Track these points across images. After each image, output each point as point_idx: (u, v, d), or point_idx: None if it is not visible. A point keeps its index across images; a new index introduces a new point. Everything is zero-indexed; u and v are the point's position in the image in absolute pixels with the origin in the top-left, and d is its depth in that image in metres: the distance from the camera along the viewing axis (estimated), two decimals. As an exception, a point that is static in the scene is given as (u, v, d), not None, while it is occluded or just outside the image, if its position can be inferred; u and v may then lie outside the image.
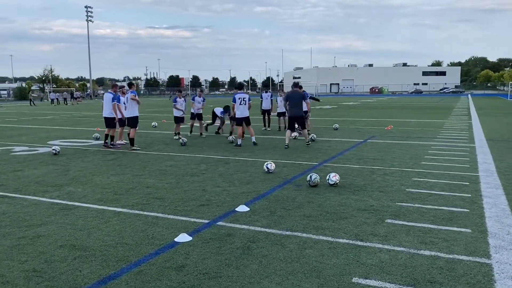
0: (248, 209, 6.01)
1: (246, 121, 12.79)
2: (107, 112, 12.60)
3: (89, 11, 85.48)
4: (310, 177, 7.35)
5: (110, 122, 12.66)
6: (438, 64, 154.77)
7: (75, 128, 19.61)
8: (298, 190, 7.11)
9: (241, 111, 12.71)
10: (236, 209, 6.02)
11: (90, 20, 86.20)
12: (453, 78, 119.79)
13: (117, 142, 13.14)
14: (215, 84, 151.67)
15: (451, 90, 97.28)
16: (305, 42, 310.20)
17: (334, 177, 7.36)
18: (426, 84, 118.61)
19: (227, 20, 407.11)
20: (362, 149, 11.78)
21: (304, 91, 15.86)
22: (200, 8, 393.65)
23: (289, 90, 13.13)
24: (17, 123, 23.12)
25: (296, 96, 12.57)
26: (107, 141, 12.82)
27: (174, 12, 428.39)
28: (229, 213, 5.85)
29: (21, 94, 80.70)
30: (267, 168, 8.62)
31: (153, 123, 20.00)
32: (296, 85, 13.22)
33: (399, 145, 12.46)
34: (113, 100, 12.42)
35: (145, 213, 5.95)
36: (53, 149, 11.36)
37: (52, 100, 54.90)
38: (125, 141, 13.29)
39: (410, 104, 40.99)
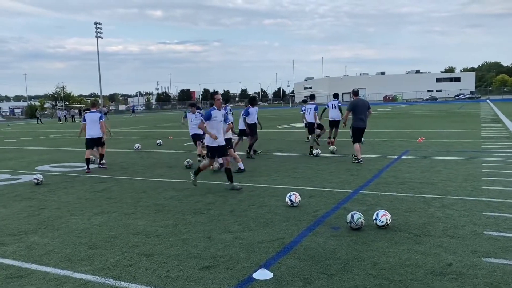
0: (271, 274, 4.15)
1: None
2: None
3: (98, 27, 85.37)
4: (352, 217, 5.47)
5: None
6: (451, 70, 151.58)
7: (73, 149, 17.97)
8: (337, 237, 5.23)
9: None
10: (254, 275, 4.17)
11: (100, 36, 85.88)
12: (468, 84, 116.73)
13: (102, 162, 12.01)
14: (226, 96, 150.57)
15: (467, 96, 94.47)
16: (315, 52, 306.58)
17: (383, 217, 5.48)
18: (440, 90, 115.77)
19: (237, 33, 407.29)
20: (400, 168, 9.85)
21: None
22: (210, 22, 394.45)
23: (355, 98, 11.28)
24: (15, 144, 21.60)
25: (364, 105, 11.16)
26: (102, 161, 11.89)
27: (185, 27, 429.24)
28: (244, 284, 4.00)
29: (32, 112, 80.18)
30: (290, 201, 6.77)
31: (157, 141, 18.25)
32: (357, 93, 11.42)
33: (442, 162, 10.51)
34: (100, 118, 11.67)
35: (123, 284, 4.12)
36: (35, 179, 9.66)
37: (59, 117, 53.79)
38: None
39: (430, 112, 38.79)
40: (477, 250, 4.62)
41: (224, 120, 8.55)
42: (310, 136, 13.69)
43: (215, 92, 8.74)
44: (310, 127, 13.59)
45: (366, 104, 11.20)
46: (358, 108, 11.05)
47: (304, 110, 13.88)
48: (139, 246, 5.20)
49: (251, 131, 12.66)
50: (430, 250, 4.68)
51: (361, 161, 10.87)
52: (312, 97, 14.28)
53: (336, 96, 15.56)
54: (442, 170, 9.36)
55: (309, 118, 13.52)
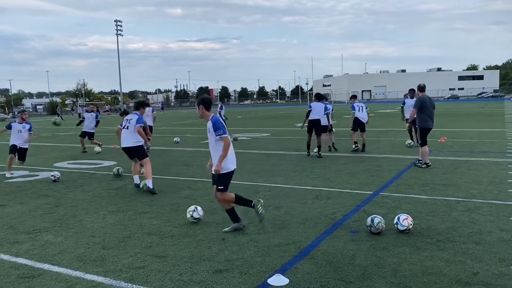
0: (287, 280, 4.00)
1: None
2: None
3: (118, 25, 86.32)
4: (372, 220, 5.27)
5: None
6: (474, 68, 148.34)
7: (92, 146, 18.08)
8: (356, 241, 5.04)
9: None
10: (269, 280, 4.02)
11: (120, 34, 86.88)
12: (491, 82, 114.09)
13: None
14: (244, 94, 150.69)
15: (490, 94, 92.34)
16: (334, 49, 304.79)
17: (405, 221, 5.26)
18: (462, 89, 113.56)
19: (255, 31, 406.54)
20: (422, 169, 9.56)
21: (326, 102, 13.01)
22: (229, 20, 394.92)
23: (422, 94, 9.90)
24: (34, 141, 21.82)
25: (431, 102, 9.86)
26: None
27: (204, 25, 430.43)
28: (259, 290, 3.85)
29: (53, 109, 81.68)
30: (191, 215, 6.02)
31: (175, 139, 18.23)
32: (423, 88, 9.98)
33: (466, 163, 10.16)
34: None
35: (134, 287, 4.02)
36: (52, 175, 9.71)
37: (79, 114, 54.52)
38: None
39: (452, 111, 37.96)
40: (505, 258, 4.38)
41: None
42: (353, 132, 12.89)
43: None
44: (363, 125, 12.90)
45: (432, 101, 9.94)
46: (426, 106, 9.72)
47: (354, 108, 12.88)
48: (153, 247, 5.10)
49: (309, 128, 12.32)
50: (455, 257, 4.45)
51: (430, 165, 9.70)
52: (354, 97, 13.69)
53: (355, 96, 13.90)
54: (466, 172, 9.05)
55: (362, 115, 12.79)
